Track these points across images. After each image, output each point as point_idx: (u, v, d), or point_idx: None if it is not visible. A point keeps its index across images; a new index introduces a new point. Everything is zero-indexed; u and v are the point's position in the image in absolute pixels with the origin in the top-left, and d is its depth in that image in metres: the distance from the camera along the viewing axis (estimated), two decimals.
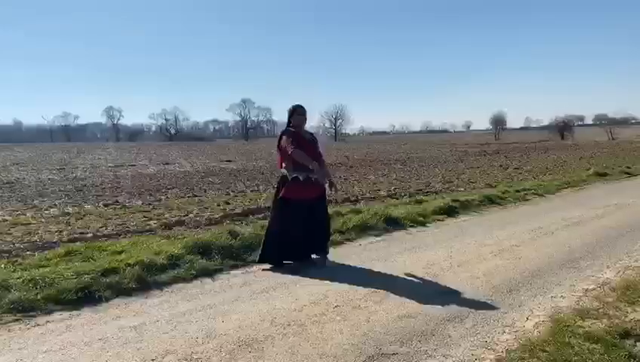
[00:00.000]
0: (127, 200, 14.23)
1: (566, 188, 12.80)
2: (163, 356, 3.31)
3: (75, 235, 8.06)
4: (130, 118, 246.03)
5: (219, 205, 12.39)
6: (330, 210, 6.90)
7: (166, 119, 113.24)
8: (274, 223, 5.63)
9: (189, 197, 14.90)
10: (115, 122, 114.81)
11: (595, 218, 8.15)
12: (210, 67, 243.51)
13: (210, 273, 5.36)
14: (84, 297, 4.52)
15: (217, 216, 10.00)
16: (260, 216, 9.78)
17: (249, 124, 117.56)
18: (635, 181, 14.78)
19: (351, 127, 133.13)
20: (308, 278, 5.03)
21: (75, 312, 4.28)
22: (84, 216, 10.76)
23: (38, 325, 4.00)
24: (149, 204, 13.03)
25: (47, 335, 3.79)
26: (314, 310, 4.13)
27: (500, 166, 24.01)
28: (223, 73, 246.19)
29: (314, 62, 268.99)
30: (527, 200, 10.89)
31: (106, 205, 13.15)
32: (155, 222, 9.79)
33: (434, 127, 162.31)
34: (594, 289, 4.36)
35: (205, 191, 16.40)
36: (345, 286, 4.75)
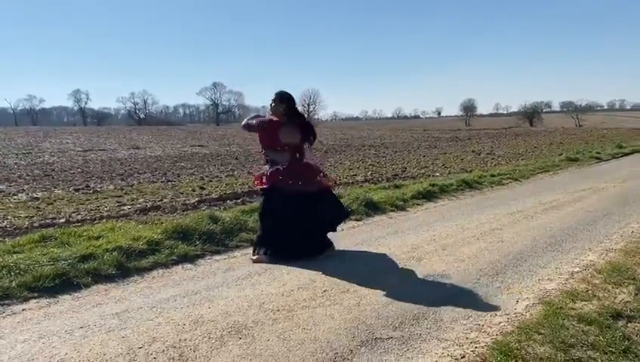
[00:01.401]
0: (98, 185, 13.92)
1: (540, 172, 12.97)
2: (149, 343, 3.19)
3: (47, 221, 7.82)
4: (98, 102, 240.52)
5: (194, 190, 12.20)
6: None
7: (135, 103, 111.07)
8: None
9: (162, 182, 14.65)
10: (83, 106, 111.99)
11: (572, 201, 8.26)
12: (180, 51, 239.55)
13: (191, 259, 5.23)
14: (62, 284, 4.34)
15: (193, 201, 9.83)
16: (237, 201, 9.65)
17: (220, 108, 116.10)
18: (605, 166, 15.07)
19: (324, 113, 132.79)
20: (293, 263, 4.94)
21: (52, 300, 4.11)
22: (54, 201, 10.46)
23: (14, 313, 3.83)
24: (122, 189, 12.75)
25: (24, 323, 3.62)
26: (302, 295, 4.05)
27: (473, 151, 24.25)
28: (193, 57, 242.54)
29: (287, 47, 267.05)
30: (503, 184, 10.99)
31: (76, 190, 12.82)
32: (129, 206, 9.57)
33: (405, 114, 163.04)
34: (579, 271, 4.39)
35: (179, 176, 16.16)
36: (331, 271, 4.68)
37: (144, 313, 3.75)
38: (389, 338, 3.16)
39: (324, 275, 4.55)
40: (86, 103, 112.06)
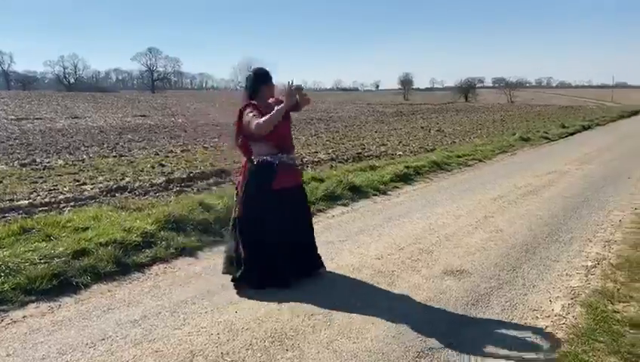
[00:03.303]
0: (45, 160, 13.04)
1: (500, 153, 13.25)
2: (190, 359, 2.94)
3: (3, 204, 7.18)
4: (22, 65, 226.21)
5: (153, 167, 11.65)
6: None
7: (64, 67, 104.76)
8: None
9: (114, 157, 13.92)
10: (6, 68, 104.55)
11: (546, 186, 8.45)
12: (111, 12, 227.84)
13: (190, 252, 4.94)
14: (60, 285, 3.98)
15: (160, 180, 9.35)
16: (209, 181, 9.27)
17: (156, 75, 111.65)
18: (557, 146, 15.60)
19: None
20: None
21: (53, 304, 3.75)
22: (1, 178, 9.68)
23: (15, 322, 3.47)
24: (73, 165, 12.01)
25: (33, 335, 3.27)
26: (329, 296, 3.86)
27: (422, 128, 24.56)
28: (125, 19, 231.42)
29: (226, 14, 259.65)
30: (470, 165, 11.14)
31: (22, 165, 11.97)
32: (91, 186, 9.00)
33: (345, 86, 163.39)
34: (594, 266, 4.45)
35: (130, 151, 15.42)
36: (345, 266, 4.53)
37: (167, 320, 3.47)
38: (443, 348, 3.06)
39: (337, 272, 4.39)
40: (9, 66, 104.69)
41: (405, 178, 8.87)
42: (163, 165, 11.95)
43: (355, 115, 36.52)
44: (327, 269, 4.38)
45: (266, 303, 3.73)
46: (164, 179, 9.51)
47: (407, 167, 9.34)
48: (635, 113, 38.31)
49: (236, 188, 4.34)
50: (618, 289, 3.78)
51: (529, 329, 3.29)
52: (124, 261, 4.49)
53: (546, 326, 3.30)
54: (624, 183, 8.69)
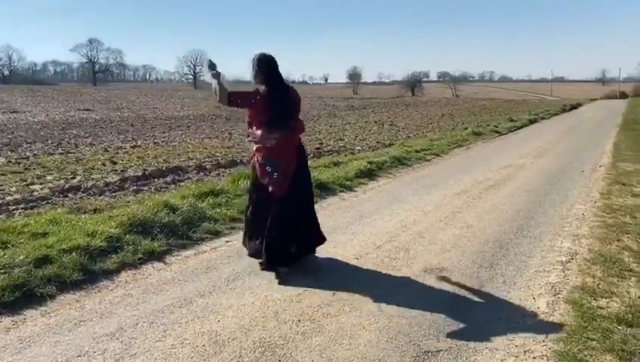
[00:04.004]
0: None
1: (455, 147, 13.46)
2: None
3: None
4: None
5: (104, 165, 11.18)
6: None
7: None
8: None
9: (60, 153, 13.29)
10: None
11: (506, 180, 8.61)
12: (47, 1, 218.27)
13: (158, 256, 4.71)
14: (23, 297, 3.69)
15: (115, 179, 8.96)
16: (167, 179, 8.95)
17: (97, 67, 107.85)
18: (508, 140, 16.01)
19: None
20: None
21: (18, 318, 3.48)
22: None
23: None
24: (17, 163, 11.36)
25: (1, 353, 3.00)
26: (313, 300, 3.75)
27: (375, 122, 24.76)
28: (64, 9, 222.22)
29: (169, 3, 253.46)
30: (429, 160, 11.25)
31: None
32: (40, 186, 8.53)
33: (294, 79, 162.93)
34: (568, 261, 4.51)
35: (77, 147, 14.77)
36: (325, 268, 4.43)
37: (146, 331, 3.26)
38: (439, 351, 3.00)
39: (320, 274, 4.28)
40: None
41: (369, 174, 8.85)
42: (114, 162, 11.50)
43: (307, 109, 36.41)
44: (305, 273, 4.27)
45: (248, 310, 3.58)
46: (118, 177, 9.13)
47: (370, 163, 9.32)
48: (574, 107, 39.92)
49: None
50: (598, 285, 3.84)
51: (519, 327, 3.28)
52: (91, 268, 4.23)
53: (534, 325, 3.30)
54: (579, 176, 8.97)
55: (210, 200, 6.23)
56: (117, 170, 10.31)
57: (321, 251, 4.74)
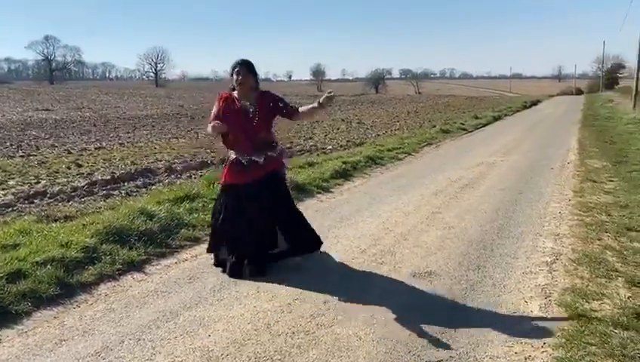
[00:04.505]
0: None
1: (425, 145, 13.53)
2: None
3: None
4: None
5: (68, 168, 10.83)
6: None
7: None
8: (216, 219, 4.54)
9: (21, 156, 12.81)
10: None
11: (479, 178, 8.67)
12: None
13: (138, 266, 4.54)
14: None
15: (82, 183, 8.66)
16: (137, 183, 8.69)
17: (54, 64, 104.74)
18: (475, 137, 16.22)
19: (172, 72, 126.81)
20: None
21: None
22: None
23: None
24: None
25: None
26: (304, 309, 3.65)
27: (343, 120, 24.75)
28: (17, 4, 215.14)
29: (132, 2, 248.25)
30: (401, 159, 11.26)
31: None
32: (3, 192, 8.17)
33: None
34: (553, 261, 4.54)
35: (38, 149, 14.26)
36: (312, 273, 4.35)
37: (134, 350, 3.11)
38: (441, 361, 2.95)
39: (305, 281, 4.19)
40: None
41: (344, 174, 8.80)
42: (80, 165, 11.14)
43: None
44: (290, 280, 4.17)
45: (238, 322, 3.46)
46: (85, 181, 8.82)
47: (345, 163, 9.27)
48: (534, 103, 40.83)
49: None
50: (587, 287, 3.86)
51: (516, 333, 3.25)
52: (68, 281, 4.02)
53: (531, 330, 3.29)
54: (549, 173, 9.12)
55: (187, 205, 6.05)
56: (83, 174, 9.98)
57: (307, 257, 4.65)
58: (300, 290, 3.98)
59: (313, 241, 4.63)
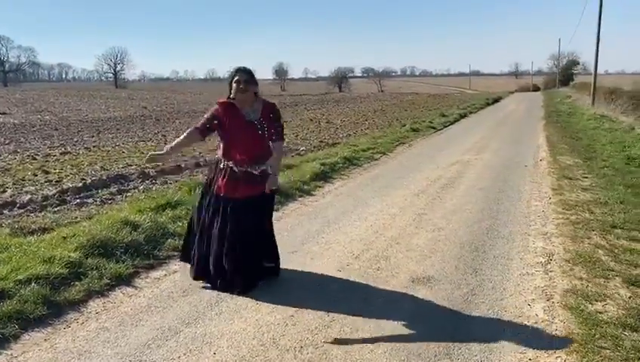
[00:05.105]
0: None
1: (398, 145, 13.55)
2: None
3: None
4: None
5: (35, 175, 10.39)
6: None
7: None
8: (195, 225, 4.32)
9: None
10: None
11: (457, 178, 8.72)
12: None
13: (127, 280, 4.35)
14: None
15: (52, 192, 8.30)
16: (111, 190, 8.40)
17: (7, 66, 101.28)
18: (445, 136, 16.35)
19: (131, 73, 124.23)
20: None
21: None
22: None
23: None
24: None
25: None
26: (308, 320, 3.56)
27: (311, 120, 24.65)
28: None
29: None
30: (377, 159, 11.24)
31: None
32: None
33: (218, 75, 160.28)
34: (547, 262, 4.57)
35: None
36: (308, 283, 4.25)
37: None
38: None
39: (303, 292, 4.09)
40: None
41: (324, 176, 8.72)
42: (47, 172, 10.70)
43: None
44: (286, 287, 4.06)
45: (242, 338, 3.34)
46: (55, 189, 8.46)
47: (323, 165, 9.19)
48: (497, 100, 41.62)
49: None
50: (588, 288, 3.89)
51: (526, 339, 3.23)
52: (54, 299, 3.82)
53: (539, 334, 3.28)
54: (524, 171, 9.25)
55: (169, 213, 5.87)
56: (52, 181, 9.59)
57: (301, 265, 4.57)
58: (301, 301, 3.88)
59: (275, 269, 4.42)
